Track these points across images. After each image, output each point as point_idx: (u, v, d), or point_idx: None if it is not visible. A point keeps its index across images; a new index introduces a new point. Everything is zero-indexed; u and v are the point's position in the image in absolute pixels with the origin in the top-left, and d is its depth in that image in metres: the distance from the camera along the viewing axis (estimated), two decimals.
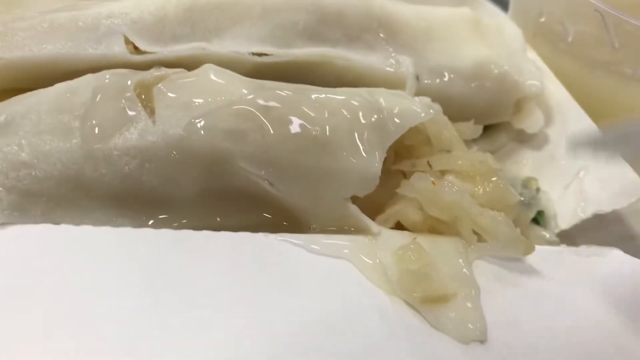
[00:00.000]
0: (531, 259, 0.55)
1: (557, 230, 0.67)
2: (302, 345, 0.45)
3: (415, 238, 0.53)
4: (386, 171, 0.56)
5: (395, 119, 0.58)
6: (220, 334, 0.45)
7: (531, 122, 0.75)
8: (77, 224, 0.52)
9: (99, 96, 0.55)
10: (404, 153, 0.63)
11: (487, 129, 0.76)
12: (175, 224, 0.54)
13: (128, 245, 0.50)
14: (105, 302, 0.46)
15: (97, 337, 0.44)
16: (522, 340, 0.49)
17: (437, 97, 0.66)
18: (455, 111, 0.66)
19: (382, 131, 0.57)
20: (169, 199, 0.54)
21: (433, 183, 0.55)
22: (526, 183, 0.73)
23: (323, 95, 0.57)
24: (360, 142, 0.55)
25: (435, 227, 0.57)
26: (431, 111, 0.61)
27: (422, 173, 0.57)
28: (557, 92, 0.77)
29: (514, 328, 0.50)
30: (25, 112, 0.55)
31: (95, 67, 0.60)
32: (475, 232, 0.55)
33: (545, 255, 0.56)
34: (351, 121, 0.56)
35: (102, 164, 0.53)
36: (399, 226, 0.57)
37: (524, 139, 0.77)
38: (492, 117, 0.77)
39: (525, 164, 0.76)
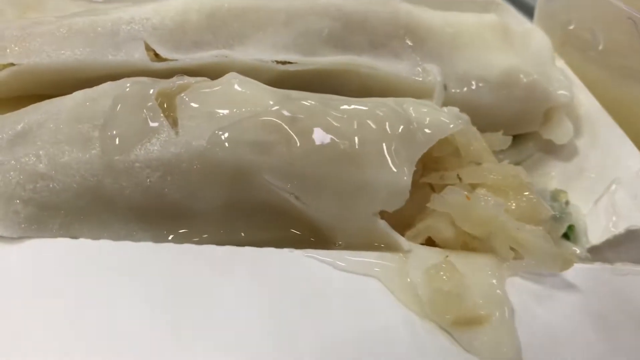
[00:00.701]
0: (566, 275, 0.53)
1: (587, 246, 0.65)
2: None
3: (447, 256, 0.52)
4: (414, 184, 0.55)
5: (425, 130, 0.57)
6: (243, 356, 0.44)
7: (560, 132, 0.74)
8: (96, 238, 0.51)
9: (119, 105, 0.54)
10: (431, 165, 0.61)
11: (515, 138, 0.73)
12: (196, 239, 0.53)
13: (148, 260, 0.49)
14: (124, 321, 0.45)
15: (114, 357, 0.43)
16: None
17: (465, 106, 0.65)
18: (483, 121, 0.65)
19: (410, 143, 0.55)
20: (191, 212, 0.53)
21: (467, 197, 0.53)
22: (555, 196, 0.71)
23: (350, 107, 0.56)
24: (389, 155, 0.54)
25: (468, 243, 0.55)
26: (460, 122, 0.59)
27: (455, 187, 0.55)
28: (586, 101, 0.76)
29: (551, 350, 0.48)
30: (44, 121, 0.54)
31: (114, 74, 0.59)
32: (511, 248, 0.53)
33: (580, 273, 0.54)
34: (379, 132, 0.55)
35: (123, 176, 0.51)
36: (429, 242, 0.56)
37: (552, 150, 0.76)
38: (520, 127, 0.75)
39: (554, 175, 0.75)
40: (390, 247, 0.53)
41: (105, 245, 0.50)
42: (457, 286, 0.49)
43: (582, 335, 0.50)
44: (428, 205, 0.55)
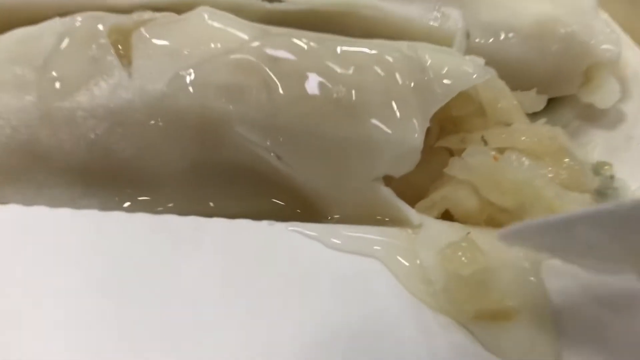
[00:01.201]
0: None
1: None
2: None
3: (468, 233, 0.45)
4: (429, 149, 0.50)
5: (443, 81, 0.49)
6: (208, 350, 0.39)
7: (603, 95, 0.66)
8: (30, 203, 0.45)
9: (64, 43, 0.47)
10: (450, 127, 0.54)
11: (549, 103, 0.65)
12: (159, 208, 0.48)
13: (92, 232, 0.44)
14: (58, 306, 0.40)
15: (40, 352, 0.38)
16: None
17: (490, 60, 0.57)
18: (510, 79, 0.57)
19: (425, 95, 0.48)
20: (149, 176, 0.47)
21: (494, 158, 0.47)
22: (598, 168, 0.64)
23: (351, 48, 0.49)
24: (397, 107, 0.46)
25: (494, 218, 0.48)
26: (485, 72, 0.52)
27: (479, 147, 0.48)
28: (635, 60, 0.69)
29: (599, 349, 0.42)
30: None
31: (68, 13, 0.51)
32: None
33: None
34: (386, 81, 0.48)
35: (62, 128, 0.45)
36: (446, 216, 0.49)
37: (594, 116, 0.68)
38: (556, 89, 0.67)
39: (595, 146, 0.67)
40: (396, 221, 0.47)
41: (39, 213, 0.44)
42: (480, 271, 0.42)
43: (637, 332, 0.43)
44: (445, 170, 0.49)
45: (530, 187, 0.46)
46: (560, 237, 0.37)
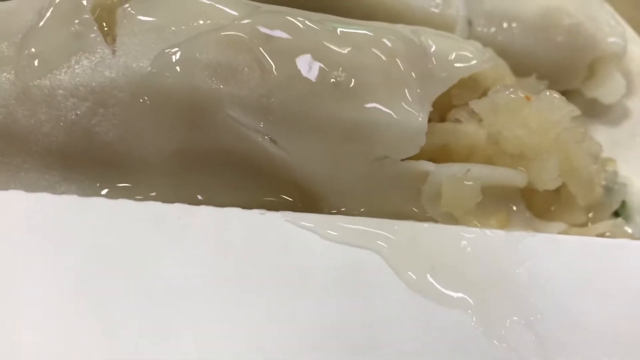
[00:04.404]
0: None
1: None
2: None
3: (468, 170, 0.46)
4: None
5: (445, 66, 0.48)
6: (190, 345, 0.37)
7: (608, 90, 0.65)
8: (5, 187, 0.43)
9: (45, 18, 0.44)
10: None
11: None
12: (139, 197, 0.45)
13: (72, 218, 0.41)
14: (36, 295, 0.37)
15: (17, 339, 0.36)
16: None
17: (493, 49, 0.56)
18: (513, 70, 0.56)
19: (427, 79, 0.47)
20: (132, 160, 0.45)
21: (527, 98, 0.47)
22: (602, 165, 0.60)
23: (350, 30, 0.47)
24: (399, 89, 0.45)
25: (492, 162, 0.48)
26: (487, 58, 0.51)
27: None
28: None
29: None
30: None
31: None
32: None
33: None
34: (386, 63, 0.46)
35: (41, 107, 0.43)
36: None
37: (598, 112, 0.67)
38: (559, 82, 0.64)
39: (599, 142, 0.62)
40: (404, 193, 0.46)
41: (14, 198, 0.42)
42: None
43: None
44: (471, 104, 0.48)
45: (558, 129, 0.46)
46: None
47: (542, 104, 0.47)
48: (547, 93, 0.48)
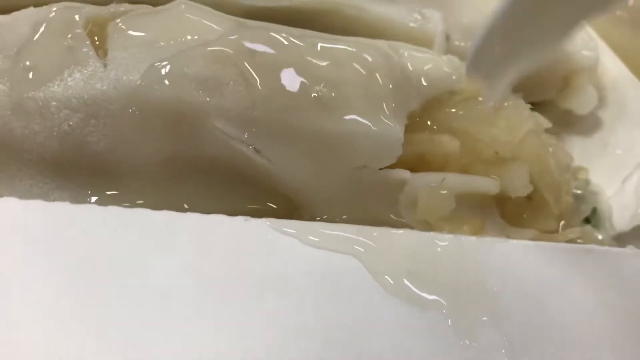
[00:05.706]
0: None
1: (613, 233, 0.59)
2: None
3: (443, 179, 0.48)
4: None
5: (422, 81, 0.49)
6: (178, 345, 0.38)
7: (581, 101, 0.66)
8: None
9: (39, 32, 0.46)
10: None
11: None
12: (126, 204, 0.45)
13: (64, 225, 0.42)
14: (28, 299, 0.38)
15: (10, 344, 0.37)
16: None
17: None
18: None
19: (404, 94, 0.48)
20: (121, 169, 0.46)
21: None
22: (574, 173, 0.62)
23: (330, 45, 0.48)
24: (376, 102, 0.46)
25: (469, 170, 0.50)
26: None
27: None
28: (613, 67, 0.68)
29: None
30: None
31: (43, 3, 0.50)
32: None
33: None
34: (365, 77, 0.47)
35: (36, 118, 0.44)
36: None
37: (571, 122, 0.67)
38: (534, 94, 0.65)
39: (572, 151, 0.64)
40: (382, 200, 0.47)
41: (8, 205, 0.42)
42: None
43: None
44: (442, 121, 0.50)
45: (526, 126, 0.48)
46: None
47: (509, 110, 0.49)
48: (512, 102, 0.50)
